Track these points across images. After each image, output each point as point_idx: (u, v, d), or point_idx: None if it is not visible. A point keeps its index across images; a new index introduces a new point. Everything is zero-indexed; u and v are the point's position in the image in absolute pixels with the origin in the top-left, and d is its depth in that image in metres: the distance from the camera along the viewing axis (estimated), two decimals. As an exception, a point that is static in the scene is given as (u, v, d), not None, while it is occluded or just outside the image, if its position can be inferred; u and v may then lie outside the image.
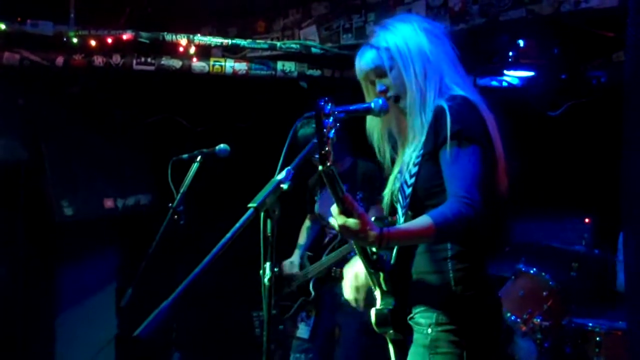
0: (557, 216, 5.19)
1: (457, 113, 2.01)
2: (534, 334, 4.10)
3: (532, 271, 4.28)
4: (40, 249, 5.14)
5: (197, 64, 4.61)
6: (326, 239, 4.16)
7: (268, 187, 1.81)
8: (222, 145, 3.65)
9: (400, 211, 2.13)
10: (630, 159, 2.81)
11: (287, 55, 4.76)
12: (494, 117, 2.12)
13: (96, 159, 5.14)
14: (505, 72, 5.04)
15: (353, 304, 2.30)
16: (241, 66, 4.70)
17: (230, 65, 4.69)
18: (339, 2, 4.66)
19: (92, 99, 5.16)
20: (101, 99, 5.20)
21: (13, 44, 4.38)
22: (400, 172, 2.18)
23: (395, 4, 4.40)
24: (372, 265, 2.05)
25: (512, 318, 4.15)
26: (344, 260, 3.89)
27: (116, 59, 4.51)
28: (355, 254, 2.12)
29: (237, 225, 1.73)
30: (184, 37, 4.48)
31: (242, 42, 4.64)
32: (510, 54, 4.77)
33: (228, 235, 1.72)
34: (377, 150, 2.31)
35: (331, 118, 1.79)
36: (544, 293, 4.18)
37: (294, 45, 4.67)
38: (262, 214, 1.78)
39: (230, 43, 4.60)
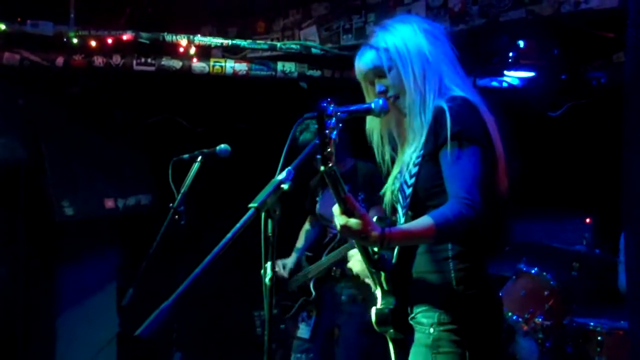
0: (558, 216, 5.19)
1: (457, 114, 2.01)
2: (536, 333, 4.10)
3: (533, 271, 4.29)
4: (40, 249, 5.15)
5: (197, 64, 4.61)
6: (326, 239, 4.16)
7: (269, 187, 1.81)
8: (222, 146, 3.65)
9: (400, 211, 2.13)
10: (630, 160, 2.81)
11: (287, 56, 4.76)
12: (494, 118, 2.13)
13: (96, 159, 5.14)
14: (505, 72, 5.04)
15: (362, 275, 2.28)
16: (241, 66, 4.71)
17: (231, 65, 4.69)
18: (339, 2, 4.66)
19: (92, 99, 5.16)
20: (101, 99, 5.20)
21: (13, 44, 4.38)
22: (400, 172, 2.19)
23: (395, 5, 4.40)
24: (374, 264, 2.06)
25: (514, 317, 4.16)
26: (344, 260, 3.89)
27: (116, 59, 4.51)
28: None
29: (238, 225, 1.74)
30: (184, 37, 4.48)
31: (242, 43, 4.64)
32: (510, 54, 4.78)
33: (229, 235, 1.72)
34: (376, 150, 2.31)
35: (333, 119, 1.79)
36: (545, 293, 4.18)
37: (294, 46, 4.67)
38: (262, 214, 1.79)
39: (230, 43, 4.61)
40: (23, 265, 4.99)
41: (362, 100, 2.25)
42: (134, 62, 4.55)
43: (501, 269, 4.49)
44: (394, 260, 2.09)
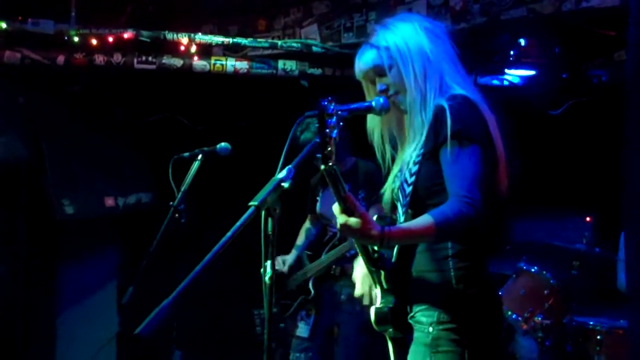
0: (558, 215, 5.19)
1: (458, 112, 2.01)
2: (535, 332, 4.10)
3: (533, 270, 4.28)
4: (41, 248, 5.15)
5: (198, 62, 4.62)
6: (326, 238, 4.16)
7: (269, 186, 1.81)
8: (223, 144, 3.65)
9: (400, 210, 2.13)
10: (631, 158, 2.80)
11: (288, 54, 4.76)
12: (495, 116, 2.13)
13: (97, 158, 5.14)
14: (506, 71, 5.04)
15: (365, 301, 2.29)
16: (242, 65, 4.71)
17: (231, 64, 4.69)
18: (340, 1, 4.66)
19: (93, 97, 5.16)
20: (102, 97, 5.21)
21: (14, 43, 4.38)
22: (400, 170, 2.19)
23: (396, 3, 4.40)
24: (373, 263, 2.06)
25: (513, 316, 4.16)
26: (343, 258, 3.90)
27: (117, 57, 4.51)
28: (355, 252, 2.12)
29: (238, 223, 1.74)
30: (184, 35, 4.48)
31: (243, 41, 4.64)
32: (511, 53, 4.78)
33: (229, 233, 1.72)
34: (377, 149, 2.31)
35: (334, 118, 1.79)
36: (545, 291, 4.18)
37: (295, 44, 4.67)
38: (263, 213, 1.79)
39: (231, 42, 4.61)
40: (24, 263, 4.99)
41: (362, 98, 2.25)
42: (135, 60, 4.55)
43: (501, 268, 4.49)
44: (393, 259, 2.09)
